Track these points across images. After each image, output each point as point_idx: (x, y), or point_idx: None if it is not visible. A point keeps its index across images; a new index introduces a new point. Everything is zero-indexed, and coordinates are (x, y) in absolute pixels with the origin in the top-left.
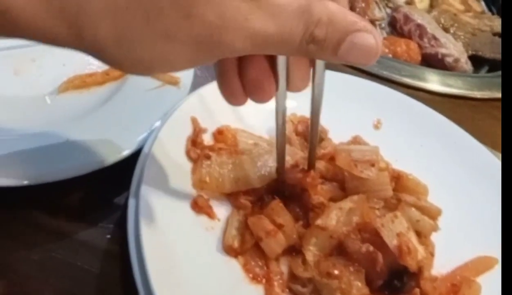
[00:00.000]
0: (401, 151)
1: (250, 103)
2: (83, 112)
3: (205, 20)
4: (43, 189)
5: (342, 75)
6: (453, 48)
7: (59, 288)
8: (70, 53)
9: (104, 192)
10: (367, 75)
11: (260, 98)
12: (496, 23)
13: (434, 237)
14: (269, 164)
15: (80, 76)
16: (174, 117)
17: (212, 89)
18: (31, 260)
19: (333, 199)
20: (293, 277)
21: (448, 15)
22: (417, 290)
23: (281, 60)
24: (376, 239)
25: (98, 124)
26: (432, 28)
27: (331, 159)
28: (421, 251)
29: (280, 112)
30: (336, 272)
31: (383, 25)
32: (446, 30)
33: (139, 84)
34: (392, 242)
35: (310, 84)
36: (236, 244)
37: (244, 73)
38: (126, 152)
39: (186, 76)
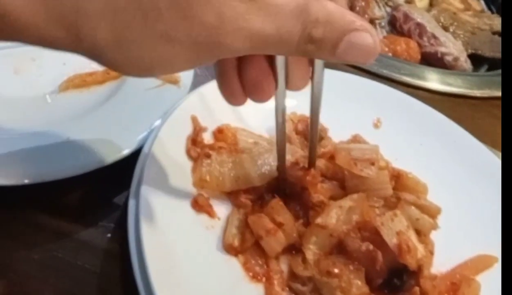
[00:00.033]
0: (401, 150)
1: (250, 102)
2: (83, 111)
3: (204, 20)
4: (43, 188)
5: (342, 74)
6: (452, 47)
7: (59, 288)
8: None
9: (104, 191)
10: (367, 74)
11: (260, 98)
12: (496, 22)
13: (434, 236)
14: (269, 162)
15: (80, 75)
16: (174, 116)
17: (212, 88)
18: (31, 260)
19: (333, 198)
20: (293, 275)
21: (447, 14)
22: (416, 289)
23: (280, 60)
24: (376, 237)
25: (98, 123)
26: (431, 27)
27: (331, 157)
28: (420, 250)
29: (280, 111)
30: (336, 270)
31: (382, 24)
32: (445, 29)
33: (139, 83)
34: (391, 240)
35: (310, 83)
36: (236, 242)
37: (243, 73)
38: (126, 151)
39: (186, 75)
